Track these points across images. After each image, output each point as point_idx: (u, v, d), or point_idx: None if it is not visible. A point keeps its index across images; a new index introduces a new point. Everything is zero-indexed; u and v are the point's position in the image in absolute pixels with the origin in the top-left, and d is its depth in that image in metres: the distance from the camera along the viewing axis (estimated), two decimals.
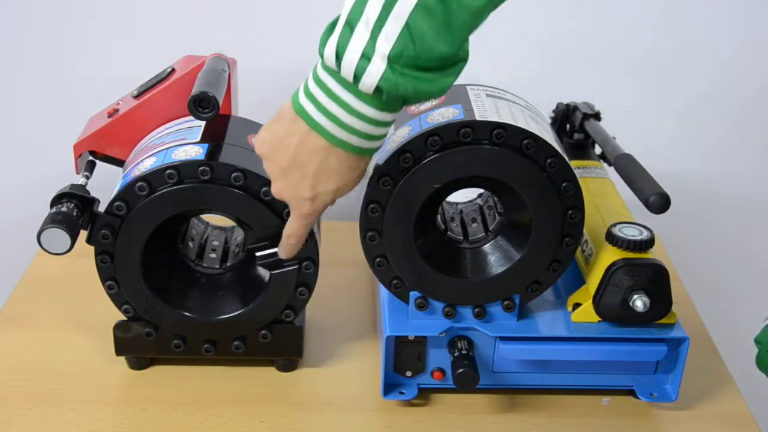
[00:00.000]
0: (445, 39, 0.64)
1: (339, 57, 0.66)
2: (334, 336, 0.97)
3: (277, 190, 0.76)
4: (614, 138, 0.97)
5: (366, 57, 0.65)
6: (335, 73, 0.68)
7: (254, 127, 0.90)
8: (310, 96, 0.70)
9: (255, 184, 0.82)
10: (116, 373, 0.91)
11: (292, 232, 0.79)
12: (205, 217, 0.95)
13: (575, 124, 1.06)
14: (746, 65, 1.22)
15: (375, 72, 0.65)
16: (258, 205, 0.82)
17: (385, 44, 0.64)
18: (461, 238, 0.88)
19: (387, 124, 0.71)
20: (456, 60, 0.67)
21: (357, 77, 0.66)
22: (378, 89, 0.66)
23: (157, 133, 0.89)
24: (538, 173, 0.80)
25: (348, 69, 0.66)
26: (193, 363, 0.92)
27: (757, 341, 0.71)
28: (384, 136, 0.72)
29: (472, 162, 0.80)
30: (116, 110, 0.91)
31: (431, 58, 0.65)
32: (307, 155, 0.72)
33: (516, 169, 0.80)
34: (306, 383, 0.91)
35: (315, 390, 0.90)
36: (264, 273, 0.88)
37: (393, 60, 0.64)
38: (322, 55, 0.68)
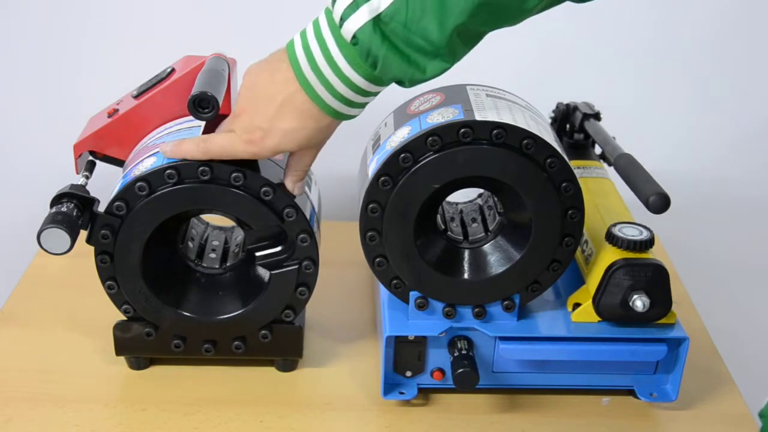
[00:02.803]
0: (437, 20, 0.67)
1: (344, 18, 0.70)
2: (334, 336, 0.97)
3: (237, 114, 0.78)
4: (614, 138, 0.97)
5: (356, 4, 0.69)
6: (329, 15, 0.72)
7: None
8: (302, 32, 0.75)
9: (255, 184, 0.82)
10: (116, 373, 0.91)
11: (214, 149, 0.80)
12: (205, 217, 0.95)
13: (575, 124, 1.06)
14: (747, 65, 1.22)
15: (357, 20, 0.69)
16: (258, 205, 0.82)
17: (383, 1, 0.68)
18: (461, 238, 0.88)
19: (355, 90, 0.73)
20: (438, 53, 0.69)
21: (342, 19, 0.70)
22: (354, 39, 0.70)
23: (157, 133, 0.89)
24: (538, 173, 0.80)
25: (338, 10, 0.70)
26: (193, 363, 0.92)
27: (761, 415, 0.71)
28: (348, 110, 0.75)
29: (472, 162, 0.80)
30: (116, 110, 0.91)
31: (416, 34, 0.68)
32: (277, 89, 0.75)
33: (516, 169, 0.80)
34: (306, 383, 0.91)
35: (315, 390, 0.90)
36: (264, 273, 0.88)
37: (382, 20, 0.68)
38: (333, 2, 0.71)
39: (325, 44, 0.72)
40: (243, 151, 0.78)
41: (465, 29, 0.69)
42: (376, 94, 0.76)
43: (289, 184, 0.83)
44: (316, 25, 0.73)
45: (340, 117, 0.76)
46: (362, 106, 0.77)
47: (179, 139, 0.83)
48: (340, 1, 0.70)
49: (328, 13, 0.72)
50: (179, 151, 0.81)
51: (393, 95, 0.93)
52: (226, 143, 0.79)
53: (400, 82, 0.74)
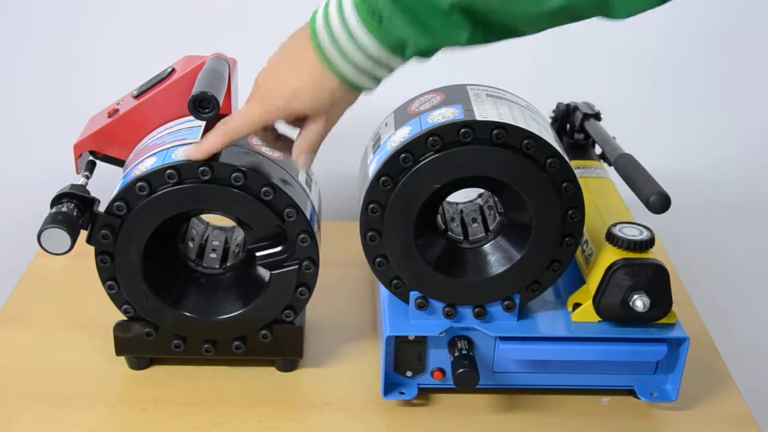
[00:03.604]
0: None
1: None
2: (334, 336, 0.97)
3: (255, 88, 0.79)
4: (614, 138, 0.97)
5: None
6: None
7: None
8: (325, 5, 0.75)
9: (255, 184, 0.82)
10: (116, 373, 0.91)
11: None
12: (205, 217, 0.95)
13: (575, 124, 1.06)
14: (747, 65, 1.22)
15: None
16: (258, 205, 0.82)
17: None
18: (461, 238, 0.88)
19: (363, 52, 0.73)
20: (445, 22, 0.70)
21: None
22: None
23: (157, 133, 0.89)
24: (538, 173, 0.80)
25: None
26: (193, 363, 0.92)
27: None
28: (355, 76, 0.74)
29: (472, 162, 0.80)
30: (116, 110, 0.91)
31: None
32: (294, 48, 0.76)
33: (516, 169, 0.80)
34: (306, 383, 0.91)
35: (315, 390, 0.90)
36: (264, 273, 0.88)
37: None
38: None
39: (341, 5, 0.73)
40: (258, 116, 0.78)
41: (471, 6, 0.69)
42: (387, 68, 0.75)
43: (295, 153, 0.81)
44: None
45: (346, 82, 0.75)
46: (372, 79, 0.76)
47: (194, 141, 0.82)
48: None
49: None
50: (202, 150, 0.80)
51: (393, 95, 0.93)
52: (243, 114, 0.79)
53: (406, 50, 0.73)
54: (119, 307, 0.87)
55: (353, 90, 0.77)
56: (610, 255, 0.84)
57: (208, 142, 0.80)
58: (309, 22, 0.76)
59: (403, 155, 0.80)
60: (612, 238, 0.84)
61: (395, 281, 0.85)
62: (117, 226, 0.83)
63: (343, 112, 0.80)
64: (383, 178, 0.81)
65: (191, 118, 0.83)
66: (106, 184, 0.89)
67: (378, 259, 0.84)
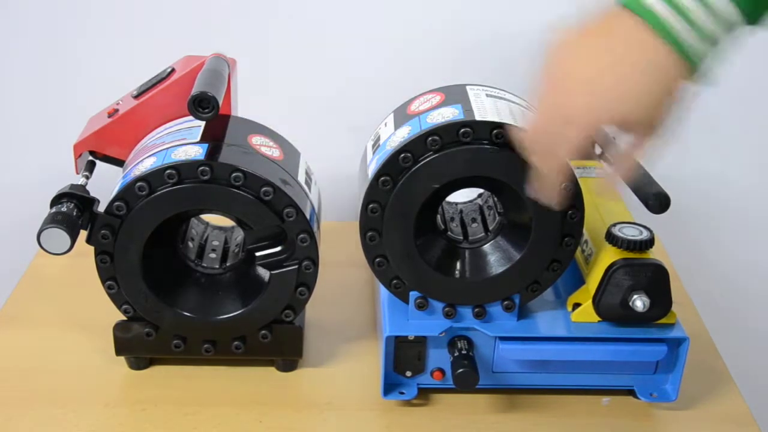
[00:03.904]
0: None
1: None
2: (334, 336, 0.97)
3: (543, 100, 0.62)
4: (614, 138, 0.97)
5: None
6: None
7: (254, 127, 0.90)
8: None
9: (255, 184, 0.82)
10: (116, 373, 0.91)
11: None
12: (205, 217, 0.95)
13: None
14: (747, 65, 1.22)
15: None
16: (258, 205, 0.82)
17: None
18: (461, 238, 0.88)
19: (714, 19, 0.59)
20: None
21: None
22: None
23: (157, 133, 0.89)
24: None
25: None
26: (193, 363, 0.92)
27: None
28: (708, 49, 0.60)
29: (472, 162, 0.80)
30: (116, 110, 0.91)
31: None
32: (614, 41, 0.60)
33: (516, 169, 0.80)
34: (306, 383, 0.91)
35: (315, 390, 0.90)
36: (264, 273, 0.88)
37: None
38: None
39: None
40: (577, 139, 0.64)
41: None
42: (726, 27, 0.61)
43: (618, 170, 0.68)
44: None
45: (690, 60, 0.61)
46: (713, 48, 0.61)
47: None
48: None
49: None
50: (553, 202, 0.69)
51: (393, 95, 0.93)
52: (557, 141, 0.64)
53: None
54: (119, 307, 0.87)
55: (692, 67, 0.61)
56: (610, 255, 0.84)
57: (548, 192, 0.68)
58: (625, 4, 0.60)
59: (402, 155, 0.80)
60: (612, 238, 0.84)
61: (395, 281, 0.85)
62: (117, 226, 0.83)
63: (673, 111, 0.64)
64: (383, 178, 0.81)
65: (191, 118, 0.83)
66: (106, 184, 0.89)
67: (378, 259, 0.84)
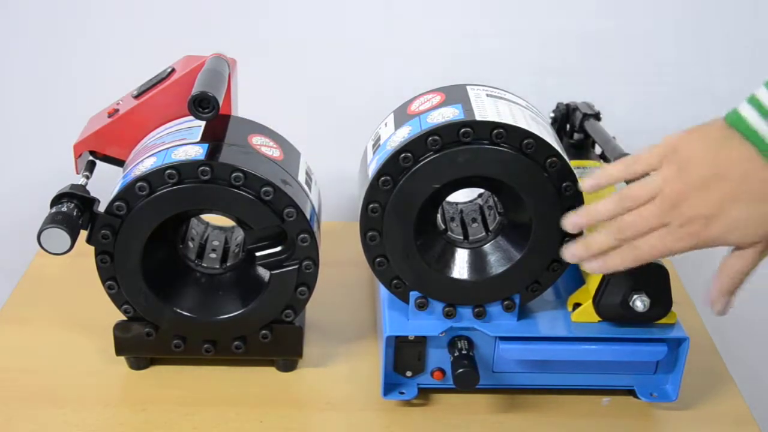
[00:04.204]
0: None
1: None
2: (334, 336, 0.97)
3: (675, 204, 0.67)
4: (614, 138, 0.97)
5: None
6: None
7: (254, 127, 0.90)
8: (754, 102, 0.65)
9: (255, 184, 0.82)
10: (116, 373, 0.91)
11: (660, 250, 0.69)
12: (205, 217, 0.95)
13: (575, 124, 1.06)
14: (748, 65, 1.22)
15: None
16: (258, 205, 0.82)
17: None
18: (461, 238, 0.88)
19: None
20: None
21: None
22: None
23: (157, 133, 0.89)
24: (538, 173, 0.80)
25: None
26: (193, 363, 0.92)
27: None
28: None
29: (472, 162, 0.80)
30: (116, 110, 0.91)
31: None
32: (728, 167, 0.64)
33: (516, 169, 0.80)
34: (306, 383, 0.91)
35: (315, 390, 0.90)
36: (264, 273, 0.88)
37: None
38: None
39: None
40: (679, 249, 0.69)
41: None
42: None
43: (715, 294, 0.72)
44: None
45: None
46: None
47: (606, 248, 0.73)
48: None
49: None
50: (607, 267, 0.73)
51: (393, 95, 0.93)
52: (658, 243, 0.70)
53: None
54: (119, 307, 0.87)
55: None
56: None
57: (613, 263, 0.72)
58: (736, 128, 0.65)
59: (403, 155, 0.80)
60: None
61: (395, 281, 0.85)
62: (117, 226, 0.83)
63: None
64: (383, 178, 0.81)
65: (191, 118, 0.83)
66: (106, 184, 0.89)
67: (378, 259, 0.84)
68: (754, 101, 0.66)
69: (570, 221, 0.76)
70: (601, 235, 0.73)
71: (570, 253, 0.76)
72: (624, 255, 0.72)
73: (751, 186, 0.65)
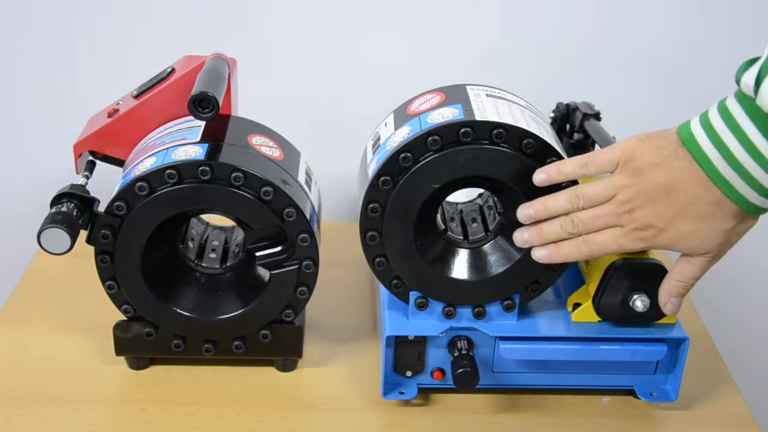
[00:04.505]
0: None
1: (759, 83, 0.63)
2: (334, 336, 0.97)
3: (629, 209, 0.71)
4: (614, 138, 0.97)
5: None
6: (747, 102, 0.64)
7: (254, 127, 0.90)
8: (705, 123, 0.68)
9: (255, 184, 0.82)
10: (116, 373, 0.91)
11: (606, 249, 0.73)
12: (205, 217, 0.95)
13: (575, 124, 1.05)
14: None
15: None
16: (258, 205, 0.82)
17: None
18: (461, 238, 0.88)
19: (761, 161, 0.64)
20: None
21: (758, 84, 0.62)
22: None
23: (157, 133, 0.89)
24: None
25: (747, 80, 0.63)
26: (193, 363, 0.92)
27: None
28: (759, 200, 0.67)
29: (472, 162, 0.80)
30: (116, 110, 0.91)
31: None
32: (679, 186, 0.68)
33: (516, 169, 0.80)
34: (306, 383, 0.91)
35: (315, 390, 0.90)
36: (264, 273, 0.88)
37: None
38: (738, 82, 0.64)
39: (747, 139, 0.65)
40: (631, 249, 0.74)
41: None
42: None
43: (663, 296, 0.77)
44: (723, 111, 0.66)
45: (759, 212, 0.70)
46: None
47: (558, 239, 0.76)
48: (747, 73, 0.62)
49: (739, 96, 0.65)
50: (559, 254, 0.77)
51: (393, 95, 0.93)
52: (612, 241, 0.74)
53: None
54: (119, 307, 0.87)
55: (760, 213, 0.70)
56: (610, 255, 0.84)
57: (566, 252, 0.76)
58: (688, 150, 0.68)
59: (402, 155, 0.80)
60: None
61: (395, 281, 0.85)
62: (117, 226, 0.83)
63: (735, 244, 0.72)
64: (383, 178, 0.81)
65: (191, 118, 0.83)
66: (106, 184, 0.89)
67: (378, 259, 0.84)
68: (706, 124, 0.68)
69: (524, 213, 0.78)
70: (555, 225, 0.77)
71: (522, 238, 0.79)
72: (578, 247, 0.76)
73: (699, 208, 0.69)
